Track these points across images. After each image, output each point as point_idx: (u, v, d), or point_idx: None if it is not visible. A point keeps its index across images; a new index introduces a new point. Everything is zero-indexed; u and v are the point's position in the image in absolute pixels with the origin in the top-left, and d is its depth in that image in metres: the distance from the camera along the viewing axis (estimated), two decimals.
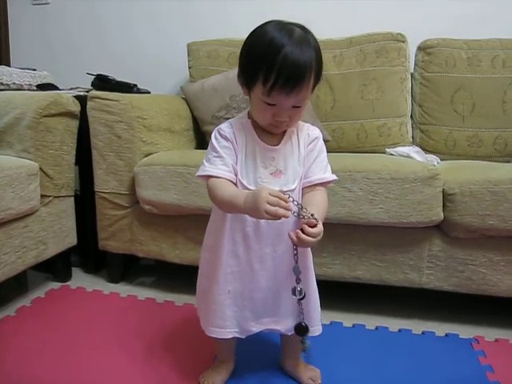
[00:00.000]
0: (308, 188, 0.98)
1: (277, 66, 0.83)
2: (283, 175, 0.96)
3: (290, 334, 1.03)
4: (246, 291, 1.00)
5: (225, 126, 0.97)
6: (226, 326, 1.01)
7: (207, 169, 0.94)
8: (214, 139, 0.96)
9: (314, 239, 0.84)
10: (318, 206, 0.92)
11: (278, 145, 0.97)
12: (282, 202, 0.80)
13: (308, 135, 0.99)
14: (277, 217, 0.79)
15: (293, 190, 0.95)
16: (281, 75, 0.83)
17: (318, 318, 1.04)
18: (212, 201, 0.95)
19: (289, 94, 0.86)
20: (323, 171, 0.98)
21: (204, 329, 1.05)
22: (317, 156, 0.99)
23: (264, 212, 0.79)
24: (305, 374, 1.11)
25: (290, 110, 0.90)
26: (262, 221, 0.93)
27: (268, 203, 0.79)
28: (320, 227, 0.85)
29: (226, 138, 0.95)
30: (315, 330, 1.03)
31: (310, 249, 1.01)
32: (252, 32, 0.91)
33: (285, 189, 0.93)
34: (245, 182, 0.94)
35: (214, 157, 0.95)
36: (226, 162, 0.94)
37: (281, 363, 1.17)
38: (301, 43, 0.85)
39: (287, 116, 0.90)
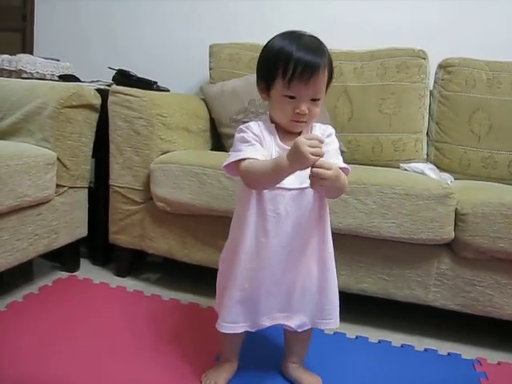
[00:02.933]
0: None
1: (294, 58, 0.92)
2: (303, 172, 0.96)
3: (300, 330, 1.06)
4: (261, 286, 1.02)
5: (254, 124, 1.02)
6: (238, 320, 1.04)
7: (242, 153, 0.96)
8: (243, 132, 1.00)
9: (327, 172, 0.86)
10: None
11: None
12: (318, 142, 0.86)
13: (321, 132, 1.04)
14: (319, 155, 0.85)
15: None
16: (298, 64, 0.92)
17: (337, 311, 1.07)
18: (250, 182, 0.97)
19: (307, 82, 0.93)
20: (335, 159, 0.99)
21: (217, 325, 1.06)
22: (329, 148, 0.99)
23: (309, 155, 0.83)
24: (306, 379, 1.12)
25: (309, 103, 0.96)
26: (283, 213, 0.98)
27: (309, 146, 0.84)
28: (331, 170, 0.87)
29: (254, 134, 1.00)
30: (335, 322, 1.07)
31: (330, 241, 1.05)
32: (266, 43, 1.01)
33: (303, 185, 0.97)
34: None
35: (246, 146, 0.98)
36: (259, 149, 0.97)
37: (282, 369, 1.18)
38: (311, 42, 0.96)
39: (306, 108, 0.95)
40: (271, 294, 1.03)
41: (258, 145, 0.98)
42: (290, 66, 0.92)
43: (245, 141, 0.98)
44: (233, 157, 0.98)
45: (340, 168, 0.96)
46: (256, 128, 1.01)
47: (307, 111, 0.95)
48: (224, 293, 1.05)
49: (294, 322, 1.06)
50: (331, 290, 1.05)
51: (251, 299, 1.03)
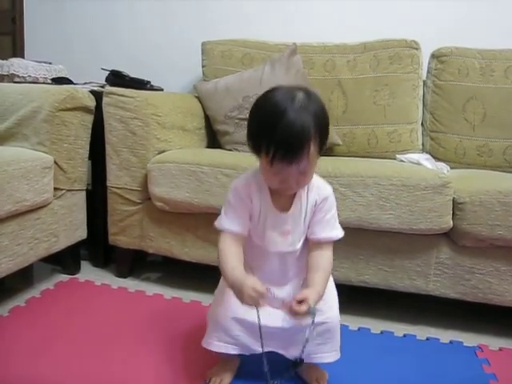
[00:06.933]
0: (315, 244, 1.02)
1: (274, 140, 0.87)
2: (290, 236, 1.02)
3: (293, 359, 1.05)
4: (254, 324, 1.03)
5: (242, 185, 1.01)
6: (231, 342, 1.06)
7: (222, 222, 1.01)
8: (232, 195, 1.02)
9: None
10: (324, 272, 0.99)
11: (288, 210, 1.01)
12: (262, 294, 0.88)
13: (317, 196, 1.01)
14: (256, 305, 0.90)
15: (297, 250, 1.04)
16: (279, 149, 0.87)
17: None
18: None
19: (289, 163, 0.89)
20: (330, 229, 1.02)
21: (205, 344, 1.09)
22: (324, 215, 1.01)
23: (247, 298, 0.88)
24: (312, 373, 1.12)
25: (297, 176, 0.92)
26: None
27: (249, 297, 0.88)
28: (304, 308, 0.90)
29: (241, 198, 1.00)
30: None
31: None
32: (256, 101, 0.94)
33: (290, 249, 1.03)
34: (254, 239, 1.04)
35: (230, 211, 1.01)
36: (239, 217, 1.00)
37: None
38: (299, 114, 0.86)
39: (294, 182, 0.93)
40: (265, 333, 1.03)
41: (240, 209, 1.00)
42: (270, 148, 0.87)
43: (231, 205, 1.01)
44: (218, 221, 1.02)
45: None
46: (244, 191, 1.00)
47: (294, 185, 0.94)
48: (217, 318, 1.07)
49: (289, 353, 1.06)
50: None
51: (244, 327, 1.04)
